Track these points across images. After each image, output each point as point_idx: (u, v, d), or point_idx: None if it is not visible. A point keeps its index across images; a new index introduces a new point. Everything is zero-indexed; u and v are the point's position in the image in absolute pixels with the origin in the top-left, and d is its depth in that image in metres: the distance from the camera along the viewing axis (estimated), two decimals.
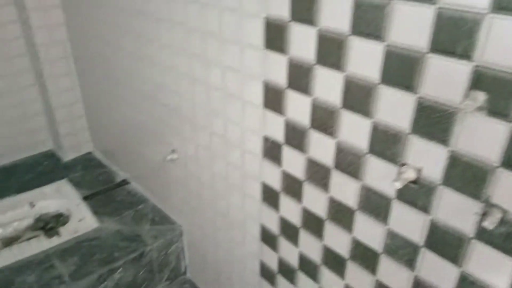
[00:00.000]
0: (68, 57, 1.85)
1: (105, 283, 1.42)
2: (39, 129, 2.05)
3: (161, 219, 1.64)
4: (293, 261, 1.12)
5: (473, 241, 0.69)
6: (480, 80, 0.60)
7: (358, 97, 0.78)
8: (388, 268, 0.86)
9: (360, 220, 0.88)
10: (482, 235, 0.67)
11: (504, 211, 0.63)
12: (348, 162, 0.85)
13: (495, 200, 0.64)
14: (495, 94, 0.59)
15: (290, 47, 0.87)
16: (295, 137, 0.96)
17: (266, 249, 1.21)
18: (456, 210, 0.70)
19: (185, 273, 1.69)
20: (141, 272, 1.52)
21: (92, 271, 1.39)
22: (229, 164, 1.21)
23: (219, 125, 1.18)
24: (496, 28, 0.57)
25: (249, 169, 1.15)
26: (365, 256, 0.90)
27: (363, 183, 0.84)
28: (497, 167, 0.62)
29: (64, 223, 1.67)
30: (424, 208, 0.74)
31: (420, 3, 0.63)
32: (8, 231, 1.66)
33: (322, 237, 1.00)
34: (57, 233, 1.56)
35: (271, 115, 1.00)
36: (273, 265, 1.20)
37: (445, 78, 0.64)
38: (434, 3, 0.61)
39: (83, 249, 1.48)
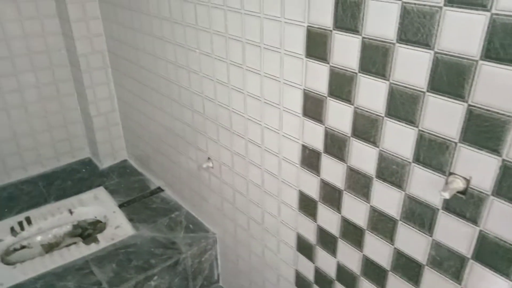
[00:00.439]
0: (107, 67, 1.92)
1: None
2: (77, 137, 2.12)
3: (195, 226, 1.65)
4: (331, 271, 1.11)
5: None
6: None
7: (403, 105, 0.77)
8: (432, 280, 0.83)
9: (403, 231, 0.86)
10: None
11: None
12: (392, 171, 0.84)
13: None
14: None
15: (332, 55, 0.87)
16: (335, 145, 0.95)
17: (302, 258, 1.20)
18: (508, 222, 0.67)
19: (218, 281, 1.70)
20: (176, 280, 1.53)
21: (129, 278, 1.42)
22: (265, 172, 1.22)
23: (256, 133, 1.19)
24: None
25: (285, 177, 1.15)
26: (407, 268, 0.88)
27: (407, 193, 0.82)
28: None
29: (101, 230, 1.71)
30: (473, 219, 0.72)
31: (472, 9, 0.62)
32: (48, 237, 1.71)
33: (362, 247, 0.98)
34: (95, 240, 1.60)
35: (310, 123, 1.00)
36: (309, 275, 1.19)
37: (499, 85, 0.62)
38: (488, 10, 0.60)
39: (120, 256, 1.51)
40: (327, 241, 1.08)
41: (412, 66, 0.72)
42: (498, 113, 0.64)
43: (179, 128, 1.58)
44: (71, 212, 1.77)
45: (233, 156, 1.33)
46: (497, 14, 0.60)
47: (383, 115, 0.81)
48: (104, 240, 1.60)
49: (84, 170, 2.07)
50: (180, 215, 1.72)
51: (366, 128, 0.86)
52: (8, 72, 1.83)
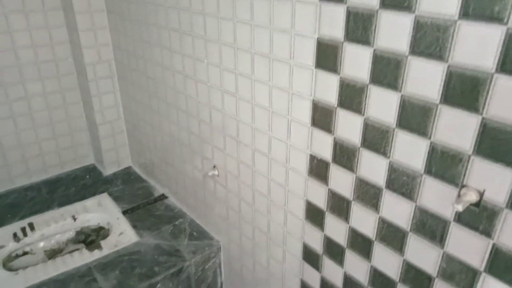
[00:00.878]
0: (113, 76, 1.93)
1: None
2: (82, 145, 2.12)
3: (199, 234, 1.65)
4: (337, 281, 1.10)
5: None
6: None
7: (415, 117, 0.77)
8: None
9: (413, 242, 0.86)
10: None
11: None
12: (402, 182, 0.84)
13: None
14: None
15: (343, 67, 0.88)
16: (344, 156, 0.95)
17: (308, 268, 1.19)
18: None
19: None
20: (179, 287, 1.53)
21: (133, 285, 1.41)
22: (272, 181, 1.22)
23: (263, 142, 1.19)
24: None
25: (293, 187, 1.15)
26: (417, 280, 0.88)
27: (417, 204, 0.83)
28: None
29: (104, 237, 1.71)
30: (486, 232, 0.72)
31: (488, 23, 0.63)
32: (51, 243, 1.71)
33: (370, 258, 0.98)
34: (98, 247, 1.59)
35: (318, 134, 1.00)
36: (315, 284, 1.19)
37: None
38: (504, 24, 0.61)
39: (124, 263, 1.50)
40: (334, 251, 1.08)
41: (425, 79, 0.73)
42: None
43: (185, 137, 1.58)
44: (74, 219, 1.77)
45: (239, 165, 1.34)
46: None
47: (394, 126, 0.82)
48: (108, 247, 1.59)
49: (88, 176, 2.07)
50: (184, 223, 1.72)
51: (376, 139, 0.87)
52: (16, 81, 1.83)
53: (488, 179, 0.69)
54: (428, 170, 0.78)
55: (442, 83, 0.71)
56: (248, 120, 1.22)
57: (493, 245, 0.72)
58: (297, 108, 1.04)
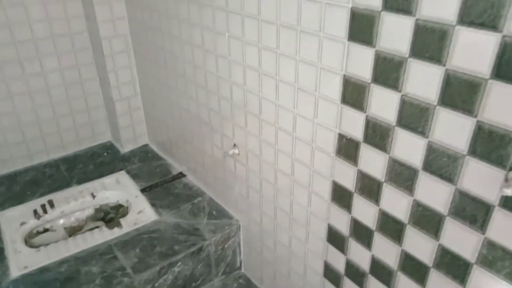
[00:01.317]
0: (129, 51, 1.88)
1: (166, 276, 1.43)
2: (99, 122, 2.10)
3: (218, 213, 1.63)
4: (364, 264, 1.07)
5: None
6: None
7: (460, 94, 0.71)
8: (482, 280, 0.79)
9: (451, 227, 0.81)
10: None
11: None
12: (441, 164, 0.78)
13: None
14: None
15: (379, 39, 0.81)
16: (377, 135, 0.90)
17: (333, 249, 1.16)
18: None
19: (240, 267, 1.68)
20: (199, 266, 1.52)
21: (154, 264, 1.40)
22: (296, 161, 1.17)
23: (287, 120, 1.14)
24: None
25: (318, 167, 1.10)
26: (453, 265, 0.84)
27: (458, 187, 0.77)
28: None
29: (123, 215, 1.70)
30: None
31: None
32: (71, 220, 1.71)
33: (401, 242, 0.94)
34: (118, 224, 1.58)
35: (349, 111, 0.95)
36: (340, 267, 1.16)
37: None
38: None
39: (144, 241, 1.50)
40: (362, 233, 1.04)
41: (475, 51, 0.67)
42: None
43: (204, 114, 1.54)
44: (93, 196, 1.76)
45: (261, 144, 1.29)
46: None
47: (435, 103, 0.76)
48: (127, 225, 1.59)
49: (105, 154, 2.06)
50: (203, 201, 1.70)
51: (414, 118, 0.81)
52: (32, 56, 1.80)
53: None
54: (473, 151, 0.72)
55: (495, 57, 0.64)
56: (271, 97, 1.17)
57: None
58: (326, 84, 0.98)
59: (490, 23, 0.63)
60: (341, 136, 1.00)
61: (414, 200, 0.87)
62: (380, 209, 0.96)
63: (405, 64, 0.78)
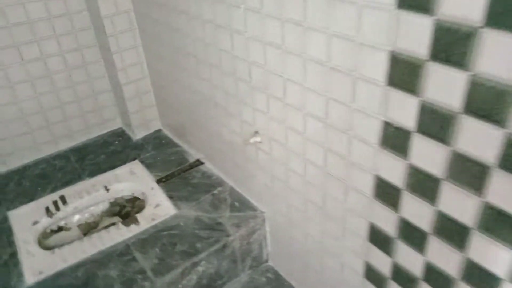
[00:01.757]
0: (134, 29, 1.71)
1: (189, 276, 1.32)
2: (107, 107, 1.96)
3: (241, 204, 1.50)
4: (416, 270, 0.92)
5: None
6: None
7: None
8: None
9: None
10: None
11: None
12: None
13: None
14: None
15: (441, 4, 0.63)
16: (436, 123, 0.73)
17: (375, 250, 1.02)
18: None
19: (267, 260, 1.57)
20: (224, 263, 1.40)
21: (176, 265, 1.29)
22: (329, 151, 1.02)
23: (318, 106, 0.98)
24: None
25: (357, 159, 0.95)
26: None
27: None
28: None
29: (140, 208, 1.59)
30: None
31: None
32: (85, 217, 1.61)
33: (464, 248, 0.79)
34: (135, 220, 1.47)
35: (397, 95, 0.78)
36: (385, 269, 1.02)
37: None
38: None
39: (164, 240, 1.38)
40: (413, 236, 0.89)
41: None
42: None
43: (220, 97, 1.38)
44: (107, 189, 1.65)
45: (286, 131, 1.14)
46: None
47: None
48: (145, 221, 1.47)
49: (117, 142, 1.93)
50: (223, 191, 1.57)
51: (487, 103, 0.64)
52: (28, 39, 1.65)
53: None
54: None
55: None
56: (297, 78, 1.00)
57: None
58: (367, 63, 0.81)
59: None
60: (387, 124, 0.83)
61: (485, 202, 0.71)
62: (437, 210, 0.81)
63: (475, 36, 0.61)
